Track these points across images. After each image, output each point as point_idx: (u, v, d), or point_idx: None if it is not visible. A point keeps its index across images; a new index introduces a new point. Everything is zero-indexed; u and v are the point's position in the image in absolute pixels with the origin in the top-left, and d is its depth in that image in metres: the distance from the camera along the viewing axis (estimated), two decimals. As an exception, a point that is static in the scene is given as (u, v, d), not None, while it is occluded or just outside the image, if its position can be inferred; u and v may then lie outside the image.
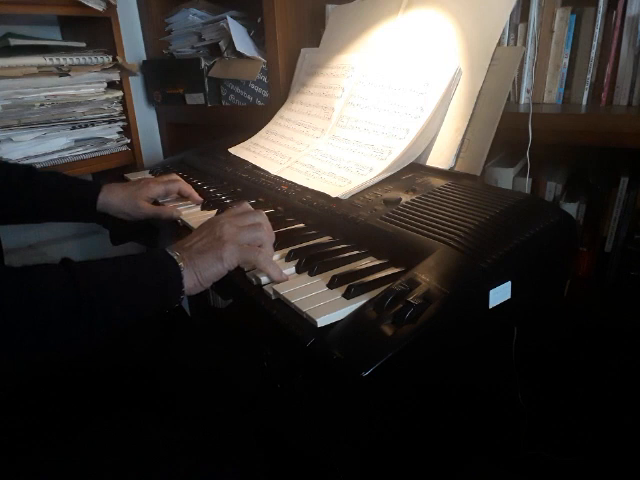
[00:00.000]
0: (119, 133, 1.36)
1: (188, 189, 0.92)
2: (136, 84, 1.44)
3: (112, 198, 0.87)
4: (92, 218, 0.89)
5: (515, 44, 0.91)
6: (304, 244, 0.71)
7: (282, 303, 0.57)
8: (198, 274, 0.58)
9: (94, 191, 0.87)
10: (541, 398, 0.97)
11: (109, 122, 1.33)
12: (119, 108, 1.34)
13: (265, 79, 1.20)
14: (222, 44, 1.25)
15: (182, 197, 0.93)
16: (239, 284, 0.64)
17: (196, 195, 0.92)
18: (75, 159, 1.27)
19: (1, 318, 0.47)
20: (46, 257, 1.40)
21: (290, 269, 0.64)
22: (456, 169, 0.80)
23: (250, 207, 0.69)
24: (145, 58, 1.46)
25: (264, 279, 0.61)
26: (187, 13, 1.31)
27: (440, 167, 0.82)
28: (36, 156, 1.19)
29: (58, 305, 0.50)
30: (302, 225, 0.78)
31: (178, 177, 0.95)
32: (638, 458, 0.91)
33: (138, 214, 0.88)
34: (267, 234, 0.65)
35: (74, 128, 1.25)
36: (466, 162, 0.80)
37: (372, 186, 0.79)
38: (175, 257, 0.58)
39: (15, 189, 0.85)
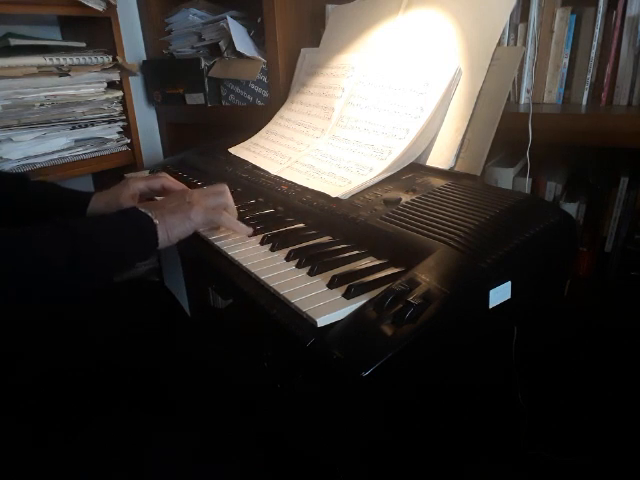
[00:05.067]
0: (119, 133, 1.36)
1: (172, 184, 0.89)
2: (136, 84, 1.44)
3: (98, 205, 0.87)
4: None
5: (515, 44, 0.91)
6: (304, 244, 0.71)
7: (282, 303, 0.57)
8: (169, 230, 0.68)
9: (83, 202, 0.87)
10: (541, 398, 0.97)
11: (109, 122, 1.33)
12: (119, 108, 1.34)
13: (265, 79, 1.20)
14: (222, 44, 1.25)
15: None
16: (239, 284, 0.64)
17: (181, 186, 0.89)
18: (75, 159, 1.26)
19: (13, 272, 0.55)
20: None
21: (290, 268, 0.64)
22: (456, 169, 0.80)
23: (222, 185, 0.78)
24: (145, 58, 1.46)
25: (212, 238, 0.74)
26: (187, 13, 1.31)
27: (440, 167, 0.82)
28: (36, 156, 1.19)
29: (58, 258, 0.58)
30: (302, 225, 0.78)
31: (164, 174, 0.92)
32: (638, 458, 0.91)
33: None
34: (229, 199, 0.76)
35: (74, 128, 1.25)
36: (466, 162, 0.80)
37: (372, 186, 0.79)
38: (149, 214, 0.67)
39: (7, 198, 0.85)
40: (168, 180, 0.89)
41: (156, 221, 0.67)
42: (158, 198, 0.93)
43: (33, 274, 0.57)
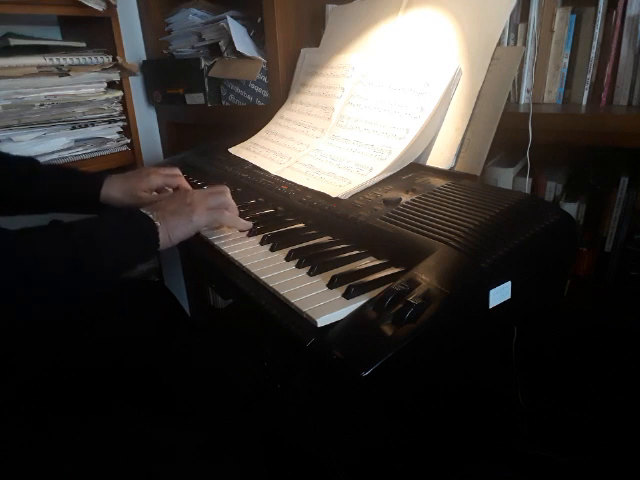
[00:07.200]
0: (119, 133, 1.36)
1: (187, 187, 0.92)
2: (136, 84, 1.44)
3: (114, 192, 0.88)
4: (95, 210, 0.90)
5: (515, 44, 0.91)
6: (304, 244, 0.71)
7: (282, 303, 0.57)
8: (170, 232, 0.68)
9: (96, 186, 0.88)
10: (541, 398, 0.97)
11: (109, 122, 1.33)
12: (119, 108, 1.34)
13: (265, 79, 1.20)
14: (222, 44, 1.25)
15: None
16: (239, 284, 0.64)
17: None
18: (75, 159, 1.26)
19: (14, 278, 0.54)
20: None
21: (290, 268, 0.64)
22: (456, 169, 0.80)
23: (223, 186, 0.79)
24: (145, 58, 1.46)
25: (212, 238, 0.75)
26: (187, 13, 1.31)
27: (440, 167, 0.82)
28: (36, 156, 1.18)
29: (61, 262, 0.57)
30: (302, 225, 0.78)
31: (180, 173, 0.95)
32: (638, 458, 0.91)
33: (139, 205, 0.88)
34: (230, 198, 0.77)
35: (74, 128, 1.25)
36: (466, 162, 0.80)
37: (372, 186, 0.79)
38: (151, 216, 0.68)
39: (20, 180, 0.85)
40: (184, 182, 0.93)
41: (157, 223, 0.67)
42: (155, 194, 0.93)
43: (32, 277, 0.56)
